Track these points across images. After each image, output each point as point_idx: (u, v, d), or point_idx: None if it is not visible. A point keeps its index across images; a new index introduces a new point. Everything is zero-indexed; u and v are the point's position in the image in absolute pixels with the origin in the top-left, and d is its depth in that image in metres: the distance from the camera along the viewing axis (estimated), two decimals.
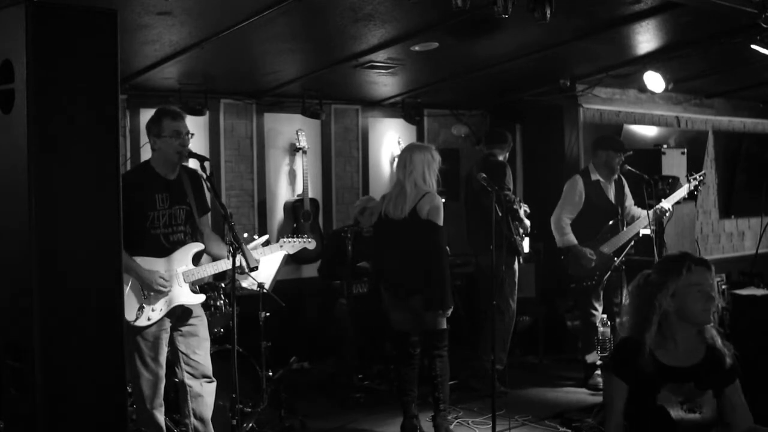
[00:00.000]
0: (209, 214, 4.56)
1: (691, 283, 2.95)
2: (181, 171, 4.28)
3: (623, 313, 3.18)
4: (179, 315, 4.22)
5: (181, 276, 4.18)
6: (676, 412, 2.93)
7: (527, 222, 6.18)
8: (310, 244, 4.76)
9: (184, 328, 4.24)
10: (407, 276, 4.94)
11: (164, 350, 4.19)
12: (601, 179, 6.19)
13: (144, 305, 4.07)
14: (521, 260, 6.28)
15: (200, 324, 4.31)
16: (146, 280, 4.06)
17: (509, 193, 6.03)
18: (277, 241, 4.76)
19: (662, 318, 2.98)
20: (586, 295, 6.17)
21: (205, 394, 4.26)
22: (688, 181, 6.23)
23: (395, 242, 5.00)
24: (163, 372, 4.18)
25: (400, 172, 5.01)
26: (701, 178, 6.25)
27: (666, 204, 6.07)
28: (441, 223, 4.86)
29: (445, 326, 4.99)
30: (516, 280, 6.20)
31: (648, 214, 5.90)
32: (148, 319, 4.08)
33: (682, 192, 6.22)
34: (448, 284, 4.90)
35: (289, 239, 4.69)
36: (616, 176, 6.23)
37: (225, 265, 4.27)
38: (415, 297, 4.92)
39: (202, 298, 4.31)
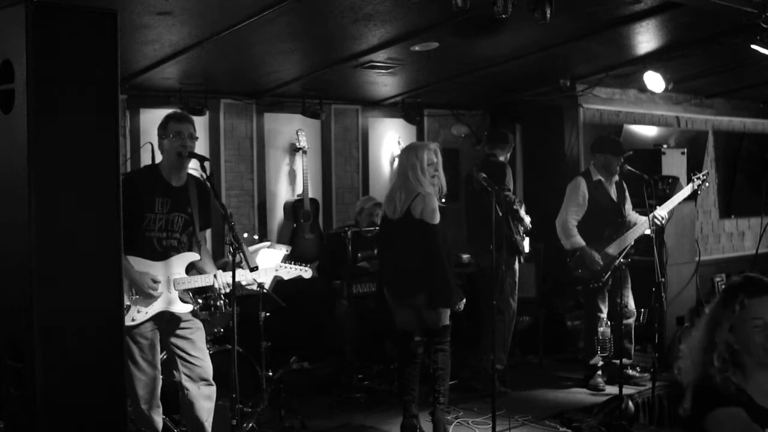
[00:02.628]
0: (209, 230, 4.54)
1: (748, 317, 2.64)
2: (189, 180, 4.29)
3: (683, 354, 2.79)
4: (168, 319, 4.21)
5: (172, 283, 4.19)
6: None
7: (527, 220, 6.18)
8: (306, 273, 4.78)
9: (177, 331, 4.23)
10: (406, 275, 4.96)
11: (157, 352, 4.19)
12: (603, 179, 6.20)
13: (131, 305, 4.07)
14: (522, 260, 6.28)
15: (194, 327, 4.29)
16: (137, 281, 4.06)
17: (509, 193, 6.02)
18: (277, 242, 4.77)
19: (734, 356, 2.64)
20: (593, 297, 6.17)
21: (203, 397, 4.24)
22: (692, 181, 6.22)
23: (393, 242, 5.04)
24: (158, 373, 4.18)
25: (392, 173, 5.14)
26: (704, 177, 6.24)
27: (662, 212, 6.05)
28: (435, 222, 4.85)
29: (447, 323, 5.02)
30: (516, 279, 6.20)
31: (649, 217, 5.91)
32: (133, 320, 4.07)
33: (679, 197, 6.22)
34: (450, 281, 4.91)
35: (287, 265, 4.71)
36: (616, 178, 6.23)
37: (210, 279, 4.27)
38: (417, 296, 4.93)
39: (189, 307, 4.27)
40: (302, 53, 5.91)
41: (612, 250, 6.08)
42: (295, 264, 4.75)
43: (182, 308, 4.23)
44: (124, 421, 3.21)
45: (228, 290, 4.23)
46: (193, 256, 4.27)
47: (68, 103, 2.99)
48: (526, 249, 6.52)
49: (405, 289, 4.99)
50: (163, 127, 4.21)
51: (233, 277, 4.09)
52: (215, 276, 4.24)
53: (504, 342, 6.19)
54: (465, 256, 6.89)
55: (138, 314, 4.09)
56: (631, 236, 6.10)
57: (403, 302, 5.02)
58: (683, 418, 2.70)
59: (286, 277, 4.75)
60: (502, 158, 6.26)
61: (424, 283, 4.89)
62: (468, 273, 6.77)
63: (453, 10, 4.14)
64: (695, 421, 2.64)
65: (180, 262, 4.22)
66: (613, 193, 6.24)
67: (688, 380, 2.73)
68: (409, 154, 5.02)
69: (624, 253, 6.01)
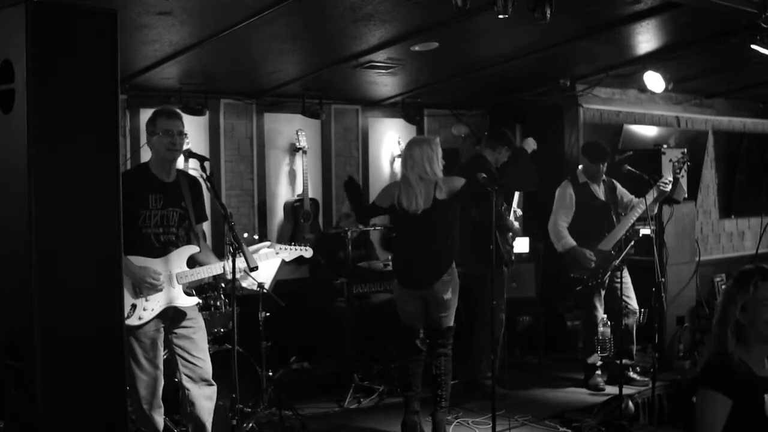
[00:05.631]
0: (206, 222, 4.53)
1: (760, 298, 2.95)
2: (180, 175, 4.29)
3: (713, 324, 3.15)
4: (172, 317, 4.20)
5: (174, 277, 4.19)
6: None
7: (516, 225, 6.15)
8: (307, 252, 4.76)
9: (178, 330, 4.23)
10: (429, 262, 4.97)
11: (160, 352, 4.17)
12: (589, 181, 6.24)
13: (136, 304, 4.07)
14: (508, 270, 6.16)
15: (196, 326, 4.28)
16: (138, 276, 4.05)
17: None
18: (277, 242, 4.76)
19: (740, 330, 2.97)
20: (589, 296, 6.18)
21: (203, 398, 4.23)
22: (673, 166, 6.23)
23: (414, 235, 5.03)
24: (160, 373, 4.16)
25: (404, 167, 5.15)
26: (684, 158, 6.27)
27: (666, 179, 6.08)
28: (464, 180, 5.00)
29: (451, 324, 5.04)
30: (504, 289, 6.12)
31: (645, 198, 5.91)
32: (140, 318, 4.06)
33: (632, 217, 6.22)
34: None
35: (286, 246, 4.69)
36: (603, 178, 6.27)
37: (218, 269, 4.28)
38: (435, 283, 4.93)
39: (195, 300, 4.29)
40: (302, 53, 5.91)
41: (604, 246, 6.10)
42: (295, 245, 4.74)
43: (187, 301, 4.23)
44: (124, 421, 3.21)
45: (247, 272, 4.18)
46: (192, 249, 4.27)
47: (68, 103, 2.99)
48: (525, 249, 6.50)
49: (425, 277, 4.97)
50: (152, 124, 4.19)
51: (233, 276, 4.09)
52: (224, 267, 4.23)
53: (492, 350, 6.12)
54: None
55: (144, 312, 4.08)
56: (621, 228, 6.11)
57: (418, 293, 5.01)
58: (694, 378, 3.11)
59: (288, 259, 4.69)
60: (491, 158, 6.16)
61: (446, 268, 4.94)
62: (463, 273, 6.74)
63: (453, 10, 4.14)
64: (696, 386, 3.02)
65: (180, 256, 4.22)
66: (601, 193, 6.27)
67: (708, 350, 3.10)
68: (423, 147, 5.04)
69: (624, 252, 6.01)
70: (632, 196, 6.32)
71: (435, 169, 5.00)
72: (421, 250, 5.00)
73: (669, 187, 6.09)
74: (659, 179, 6.05)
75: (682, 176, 6.37)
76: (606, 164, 6.21)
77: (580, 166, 6.35)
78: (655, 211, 6.32)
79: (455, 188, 4.97)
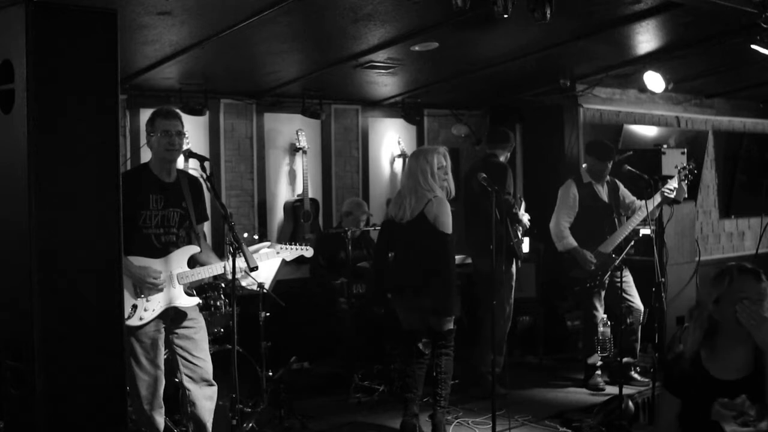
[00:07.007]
0: (206, 222, 4.53)
1: (734, 290, 2.92)
2: (180, 176, 4.29)
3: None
4: (173, 317, 4.20)
5: (175, 278, 4.19)
6: (730, 427, 2.88)
7: (526, 219, 6.16)
8: (308, 251, 4.77)
9: (179, 331, 4.23)
10: (412, 278, 4.97)
11: (161, 352, 4.17)
12: (593, 181, 6.23)
13: (137, 304, 4.06)
14: (519, 264, 6.24)
15: (197, 327, 4.28)
16: (138, 276, 4.05)
17: (509, 197, 5.99)
18: (277, 242, 4.76)
19: (712, 328, 2.95)
20: (588, 296, 6.18)
21: (204, 398, 4.23)
22: (679, 173, 6.23)
23: (399, 245, 5.05)
24: (161, 373, 4.16)
25: (402, 177, 5.22)
26: (690, 166, 6.27)
27: (671, 185, 6.07)
28: (449, 231, 4.92)
29: (451, 327, 5.05)
30: (513, 283, 6.17)
31: (646, 203, 5.91)
32: (140, 319, 4.06)
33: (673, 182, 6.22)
34: (454, 291, 4.95)
35: (287, 246, 4.69)
36: (607, 179, 6.26)
37: (219, 269, 4.28)
38: (423, 300, 4.94)
39: (196, 300, 4.29)
40: (302, 53, 5.91)
41: (604, 248, 6.10)
42: (295, 244, 4.74)
43: (188, 302, 4.23)
44: (124, 421, 3.21)
45: (247, 272, 4.20)
46: (193, 249, 4.27)
47: (68, 103, 2.99)
48: (525, 249, 6.51)
49: (412, 293, 4.99)
50: (151, 124, 4.20)
51: (233, 276, 4.09)
52: (225, 267, 4.23)
53: (500, 345, 6.15)
54: (461, 257, 6.86)
55: (145, 313, 4.08)
56: (622, 232, 6.13)
57: (409, 305, 5.03)
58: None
59: (288, 258, 4.70)
60: (502, 158, 6.25)
61: (426, 286, 4.91)
62: (467, 273, 6.77)
63: (453, 10, 4.14)
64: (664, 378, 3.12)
65: (180, 256, 4.22)
66: (605, 194, 6.27)
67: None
68: (419, 159, 5.06)
69: (624, 252, 6.00)
70: (634, 198, 6.31)
71: (429, 181, 4.97)
72: (406, 262, 5.02)
73: (674, 194, 6.09)
74: (664, 185, 6.03)
75: (687, 183, 6.38)
76: (612, 162, 6.21)
77: (584, 165, 6.35)
78: (656, 215, 6.31)
79: (439, 220, 4.89)
